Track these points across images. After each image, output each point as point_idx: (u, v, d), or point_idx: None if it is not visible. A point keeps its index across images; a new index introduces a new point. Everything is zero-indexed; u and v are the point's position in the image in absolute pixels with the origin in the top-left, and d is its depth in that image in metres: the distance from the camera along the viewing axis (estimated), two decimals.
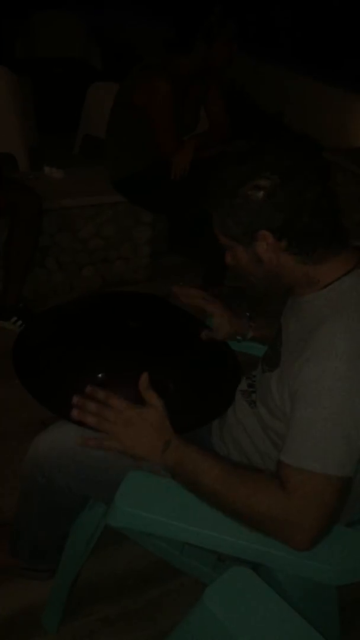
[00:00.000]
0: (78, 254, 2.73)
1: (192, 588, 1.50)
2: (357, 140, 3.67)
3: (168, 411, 1.03)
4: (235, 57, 2.47)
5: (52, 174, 2.72)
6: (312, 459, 0.90)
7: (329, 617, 1.13)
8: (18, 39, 4.53)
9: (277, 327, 1.16)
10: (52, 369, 1.15)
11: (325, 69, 4.23)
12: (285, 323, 1.11)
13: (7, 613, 1.44)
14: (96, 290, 2.79)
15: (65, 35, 4.62)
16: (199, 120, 2.70)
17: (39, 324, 1.38)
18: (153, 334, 1.28)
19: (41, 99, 3.75)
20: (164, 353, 1.23)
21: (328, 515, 0.90)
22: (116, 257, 2.84)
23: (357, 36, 4.25)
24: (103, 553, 1.54)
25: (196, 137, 2.58)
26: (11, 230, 2.29)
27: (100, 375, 1.11)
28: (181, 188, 2.47)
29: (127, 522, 0.99)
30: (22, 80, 3.32)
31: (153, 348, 1.23)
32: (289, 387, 0.98)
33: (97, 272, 2.81)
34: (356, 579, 0.97)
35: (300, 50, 4.76)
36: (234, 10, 2.43)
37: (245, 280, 1.10)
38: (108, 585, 1.53)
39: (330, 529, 0.92)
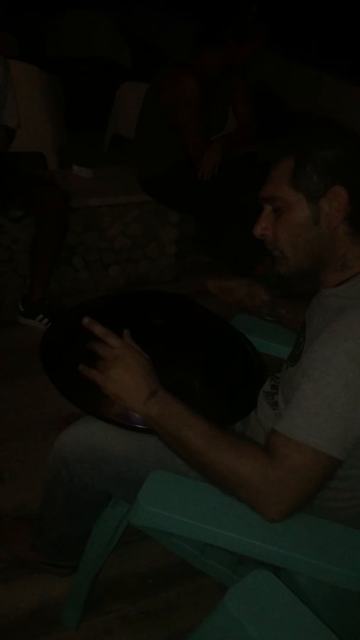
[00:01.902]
0: (104, 252, 2.74)
1: (212, 589, 1.50)
2: None
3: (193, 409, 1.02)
4: (263, 56, 2.46)
5: (81, 172, 2.74)
6: (306, 432, 0.89)
7: (352, 623, 1.11)
8: (48, 37, 4.58)
9: (301, 324, 1.15)
10: (77, 365, 1.16)
11: (355, 68, 4.18)
12: (309, 320, 1.10)
13: (27, 607, 1.45)
14: (121, 289, 2.80)
15: (95, 35, 4.65)
16: (227, 120, 2.69)
17: (65, 320, 1.38)
18: (178, 332, 1.28)
19: (71, 98, 3.78)
20: (189, 352, 1.23)
21: (308, 492, 0.89)
22: (142, 257, 2.85)
23: None
24: (124, 551, 1.55)
25: (224, 137, 2.57)
26: (38, 227, 2.31)
27: None
28: (209, 188, 2.47)
29: (149, 521, 0.99)
30: (52, 79, 3.35)
31: (178, 346, 1.22)
32: (302, 370, 0.97)
33: (122, 271, 2.82)
34: None
35: (330, 49, 4.72)
36: (269, 9, 2.41)
37: (278, 259, 1.08)
38: (128, 584, 1.53)
39: (304, 507, 0.91)
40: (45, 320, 2.39)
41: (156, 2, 6.09)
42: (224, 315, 1.44)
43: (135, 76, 3.94)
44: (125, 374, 1.01)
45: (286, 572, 1.00)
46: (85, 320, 1.06)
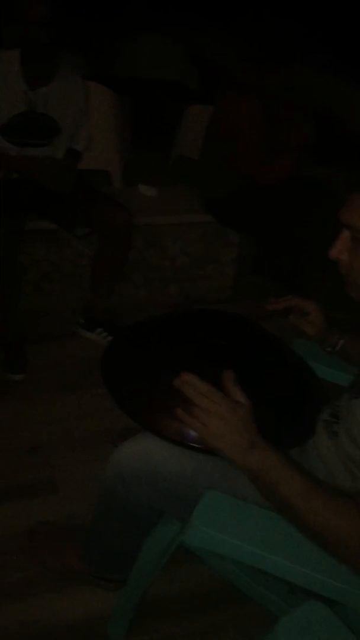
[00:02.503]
0: (164, 270, 2.77)
1: (259, 617, 1.47)
2: None
3: None
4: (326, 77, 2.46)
5: (146, 191, 2.79)
6: None
7: None
8: (120, 59, 4.70)
9: None
10: (139, 382, 1.17)
11: None
12: None
13: (72, 618, 1.46)
14: (180, 307, 2.82)
15: (165, 58, 4.74)
16: (291, 141, 2.69)
17: (127, 336, 1.41)
18: (239, 353, 1.27)
19: (138, 119, 3.87)
20: (250, 373, 1.22)
21: None
22: (201, 276, 2.87)
23: None
24: (174, 570, 1.54)
25: (285, 157, 2.57)
26: (101, 243, 2.36)
27: None
28: (270, 210, 2.47)
29: (202, 541, 0.99)
30: (121, 100, 3.44)
31: (238, 367, 1.22)
32: None
33: (181, 289, 2.85)
34: None
35: None
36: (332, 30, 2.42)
37: (349, 284, 1.07)
38: (175, 604, 1.52)
39: None
40: (105, 334, 2.43)
41: (224, 25, 6.17)
42: (283, 338, 1.43)
43: (202, 98, 4.00)
44: (225, 427, 0.97)
45: (341, 607, 0.97)
46: (186, 378, 1.02)
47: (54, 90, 2.20)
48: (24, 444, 1.94)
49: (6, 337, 2.30)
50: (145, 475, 1.13)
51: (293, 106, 2.57)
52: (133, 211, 2.38)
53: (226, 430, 0.97)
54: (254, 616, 1.48)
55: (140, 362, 1.23)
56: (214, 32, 5.89)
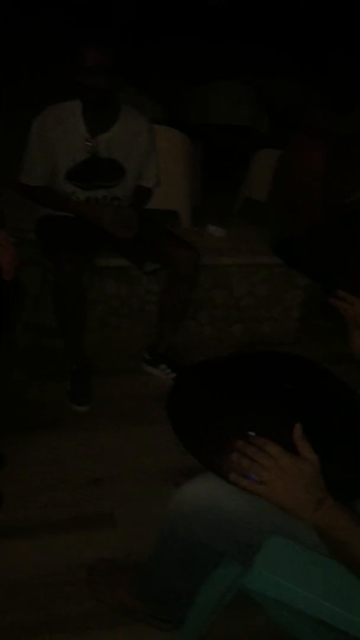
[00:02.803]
0: (230, 310, 2.79)
1: None
2: None
3: None
4: None
5: (215, 232, 2.85)
6: None
7: None
8: (193, 105, 4.87)
9: None
10: (205, 423, 1.18)
11: None
12: None
13: None
14: (244, 347, 2.82)
15: (236, 104, 4.87)
16: (357, 187, 2.69)
17: (194, 376, 1.42)
18: (305, 397, 1.26)
19: (208, 162, 3.96)
20: (314, 420, 1.20)
21: None
22: (266, 317, 2.87)
23: None
24: (232, 615, 1.49)
25: (350, 204, 2.56)
26: (169, 281, 2.41)
27: (251, 433, 1.11)
28: (338, 256, 2.45)
29: (263, 586, 0.97)
30: (193, 144, 3.54)
31: (304, 412, 1.21)
32: None
33: (245, 329, 2.85)
34: None
35: None
36: None
37: None
38: None
39: None
40: (168, 370, 2.45)
41: (295, 71, 6.28)
42: (350, 383, 1.41)
43: (271, 142, 4.06)
44: (290, 484, 0.96)
45: None
46: (251, 436, 1.03)
47: (116, 134, 2.26)
48: (87, 475, 1.97)
49: (71, 369, 2.37)
50: (208, 517, 1.13)
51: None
52: (201, 251, 2.42)
53: (291, 486, 0.96)
54: None
55: (207, 403, 1.23)
56: (284, 78, 6.01)
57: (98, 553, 1.67)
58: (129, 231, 2.23)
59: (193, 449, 1.13)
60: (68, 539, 1.73)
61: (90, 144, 2.23)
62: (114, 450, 2.09)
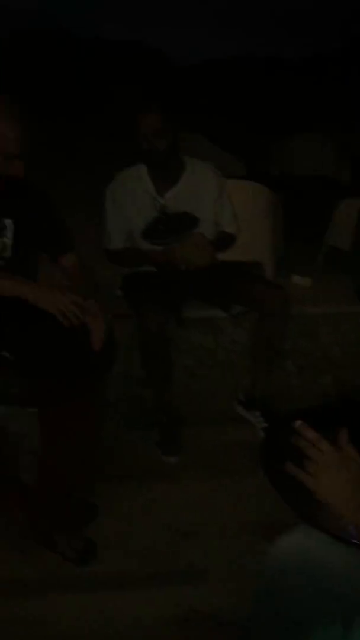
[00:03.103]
0: (317, 359, 2.76)
1: None
2: None
3: None
4: None
5: (300, 281, 2.85)
6: None
7: None
8: (274, 158, 4.97)
9: None
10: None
11: None
12: None
13: None
14: (333, 397, 2.76)
15: (318, 155, 4.92)
16: None
17: (286, 425, 1.41)
18: None
19: (291, 213, 4.00)
20: None
21: None
22: (355, 366, 2.80)
23: None
24: None
25: None
26: (258, 321, 2.41)
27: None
28: None
29: None
30: (276, 196, 3.59)
31: None
32: None
33: (334, 379, 2.79)
34: None
35: None
36: None
37: None
38: None
39: None
40: (261, 418, 2.43)
41: None
42: None
43: (354, 192, 4.05)
44: (337, 479, 1.01)
45: None
46: (297, 424, 1.09)
47: (183, 188, 2.38)
48: (177, 527, 1.96)
49: (161, 420, 2.40)
50: (307, 572, 1.10)
51: None
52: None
53: (338, 481, 0.99)
54: None
55: (302, 454, 1.22)
56: None
57: (192, 607, 1.66)
58: (204, 258, 2.27)
59: (290, 501, 1.11)
60: (161, 592, 1.72)
61: (158, 202, 2.35)
62: (205, 502, 2.08)
